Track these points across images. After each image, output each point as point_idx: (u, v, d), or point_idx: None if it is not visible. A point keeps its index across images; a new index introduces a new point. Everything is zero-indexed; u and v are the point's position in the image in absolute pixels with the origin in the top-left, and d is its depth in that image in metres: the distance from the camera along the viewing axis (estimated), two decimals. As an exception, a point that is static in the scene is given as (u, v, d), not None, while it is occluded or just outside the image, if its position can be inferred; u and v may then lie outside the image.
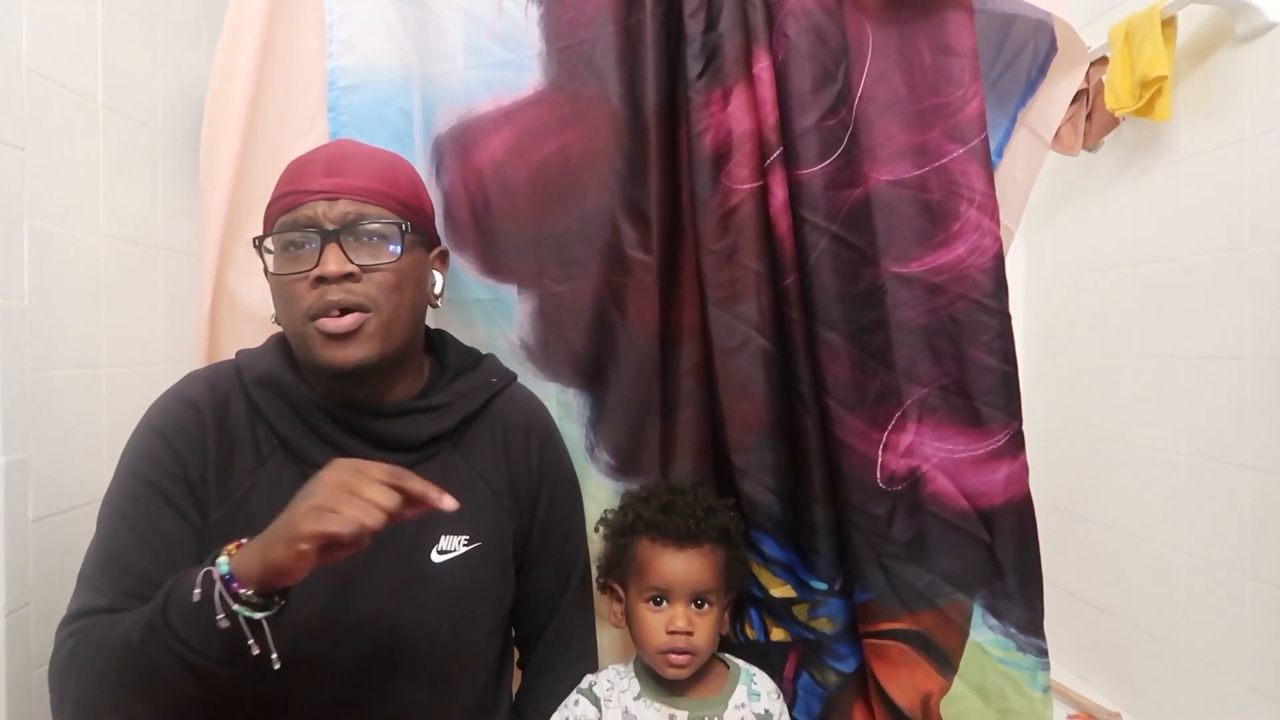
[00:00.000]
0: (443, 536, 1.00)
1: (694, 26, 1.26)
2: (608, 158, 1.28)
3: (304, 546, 0.74)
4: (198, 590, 0.77)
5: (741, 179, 1.26)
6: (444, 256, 1.10)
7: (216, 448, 0.97)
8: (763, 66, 1.23)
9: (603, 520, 1.23)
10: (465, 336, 1.29)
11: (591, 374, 1.29)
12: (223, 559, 0.78)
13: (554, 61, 1.28)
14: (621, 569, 1.18)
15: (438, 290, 1.07)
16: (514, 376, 1.16)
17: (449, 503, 0.79)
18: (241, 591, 0.76)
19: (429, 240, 1.06)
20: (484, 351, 1.18)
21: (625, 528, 1.18)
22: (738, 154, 1.26)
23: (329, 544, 0.75)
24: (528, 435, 1.11)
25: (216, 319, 1.24)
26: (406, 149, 1.30)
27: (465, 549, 1.01)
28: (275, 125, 1.27)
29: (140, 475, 0.95)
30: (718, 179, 1.27)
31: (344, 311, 0.93)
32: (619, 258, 1.28)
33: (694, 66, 1.26)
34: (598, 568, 1.23)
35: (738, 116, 1.26)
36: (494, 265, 1.29)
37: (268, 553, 0.76)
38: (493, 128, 1.28)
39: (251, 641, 0.77)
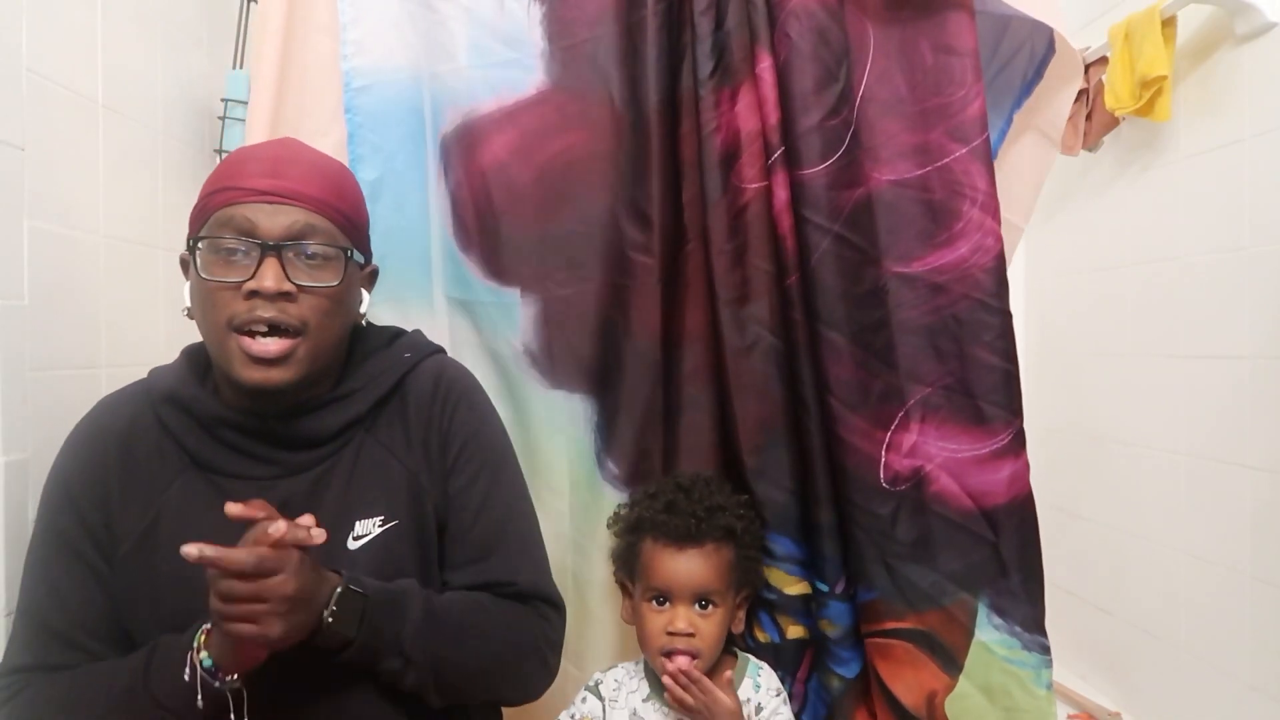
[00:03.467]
0: (357, 522, 0.96)
1: (704, 24, 1.26)
2: (610, 158, 1.27)
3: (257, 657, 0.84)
4: (187, 672, 0.84)
5: (750, 178, 1.26)
6: (373, 275, 1.07)
7: (121, 479, 0.96)
8: (764, 66, 1.24)
9: (614, 515, 1.23)
10: (472, 340, 1.28)
11: (597, 379, 1.28)
12: (204, 655, 0.84)
13: (557, 61, 1.28)
14: (629, 567, 1.18)
15: (363, 309, 1.04)
16: (435, 350, 1.09)
17: (318, 535, 0.83)
18: (228, 679, 0.84)
19: (365, 259, 1.03)
20: (489, 357, 1.17)
21: (632, 525, 1.18)
22: (746, 153, 1.26)
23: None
24: (437, 401, 1.04)
25: None
26: (419, 149, 1.31)
27: (380, 529, 0.97)
28: (294, 127, 1.27)
29: (49, 525, 0.96)
30: (728, 178, 1.27)
31: (272, 328, 0.90)
32: (621, 259, 1.28)
33: (705, 65, 1.26)
34: (612, 563, 1.22)
35: (744, 116, 1.26)
36: (498, 268, 1.29)
37: (239, 656, 0.84)
38: (495, 128, 1.28)
39: (231, 714, 0.85)
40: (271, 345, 0.90)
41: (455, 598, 0.97)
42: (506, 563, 1.01)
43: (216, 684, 0.83)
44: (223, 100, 1.47)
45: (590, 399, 1.28)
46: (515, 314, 1.28)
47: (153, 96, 1.36)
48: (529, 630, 1.00)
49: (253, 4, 1.55)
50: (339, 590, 0.86)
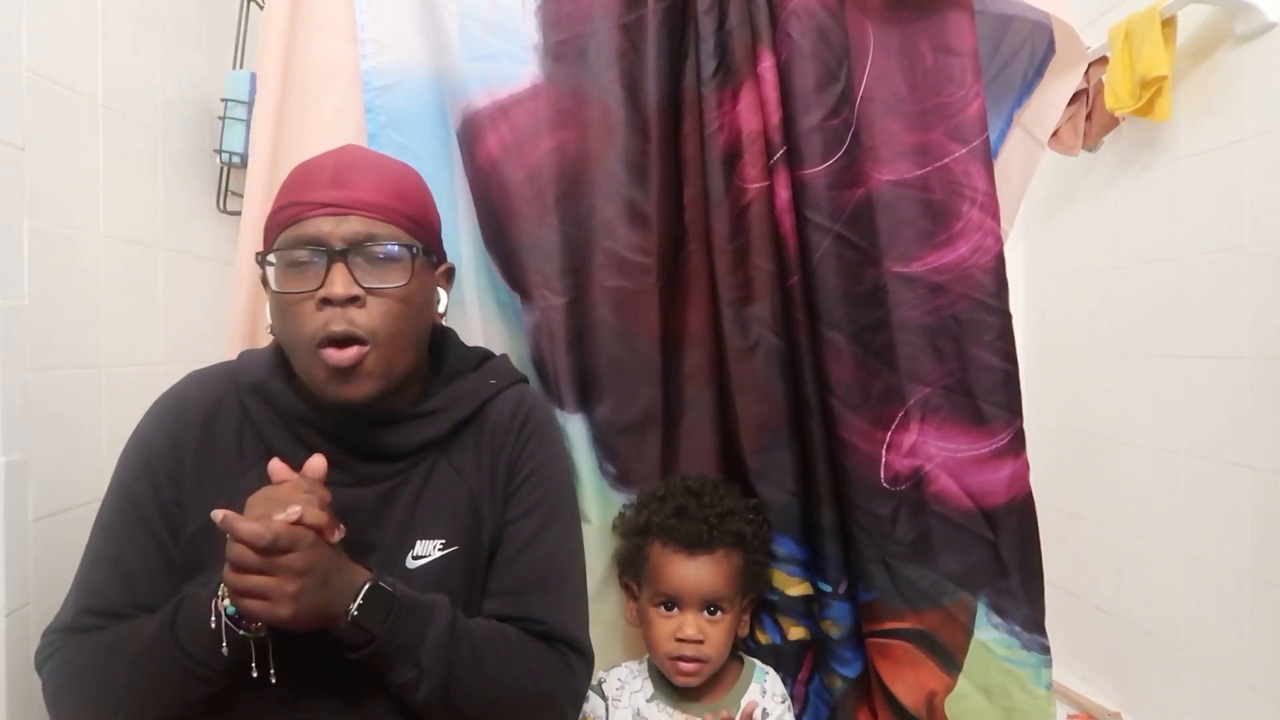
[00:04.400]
0: (418, 541, 0.97)
1: (707, 24, 1.25)
2: (602, 158, 1.26)
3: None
4: (213, 619, 0.83)
5: (752, 178, 1.26)
6: (450, 274, 1.08)
7: (198, 458, 0.97)
8: (766, 66, 1.23)
9: (620, 517, 1.22)
10: (504, 343, 1.26)
11: (591, 391, 1.26)
12: (228, 602, 0.83)
13: (550, 55, 1.26)
14: (635, 569, 1.17)
15: (441, 309, 1.04)
16: (519, 379, 1.11)
17: (335, 533, 0.85)
18: (253, 627, 0.84)
19: (437, 258, 1.03)
20: (517, 361, 1.15)
21: (640, 528, 1.17)
22: (748, 153, 1.26)
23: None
24: (512, 430, 1.05)
25: (251, 322, 1.24)
26: (444, 148, 1.29)
27: (440, 553, 0.98)
28: (298, 128, 1.26)
29: (122, 489, 0.97)
30: (730, 178, 1.26)
31: (346, 340, 0.92)
32: (617, 262, 1.26)
33: (708, 64, 1.25)
34: (616, 565, 1.22)
35: (746, 115, 1.26)
36: (506, 272, 1.27)
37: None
38: (489, 123, 1.25)
39: (254, 664, 0.85)
40: (346, 354, 0.91)
41: (483, 623, 0.96)
42: (542, 601, 1.00)
43: (240, 631, 0.83)
44: (223, 100, 1.47)
45: (588, 414, 1.25)
46: (523, 321, 1.27)
47: (153, 96, 1.36)
48: (551, 677, 0.98)
49: (253, 4, 1.55)
50: (368, 585, 0.86)
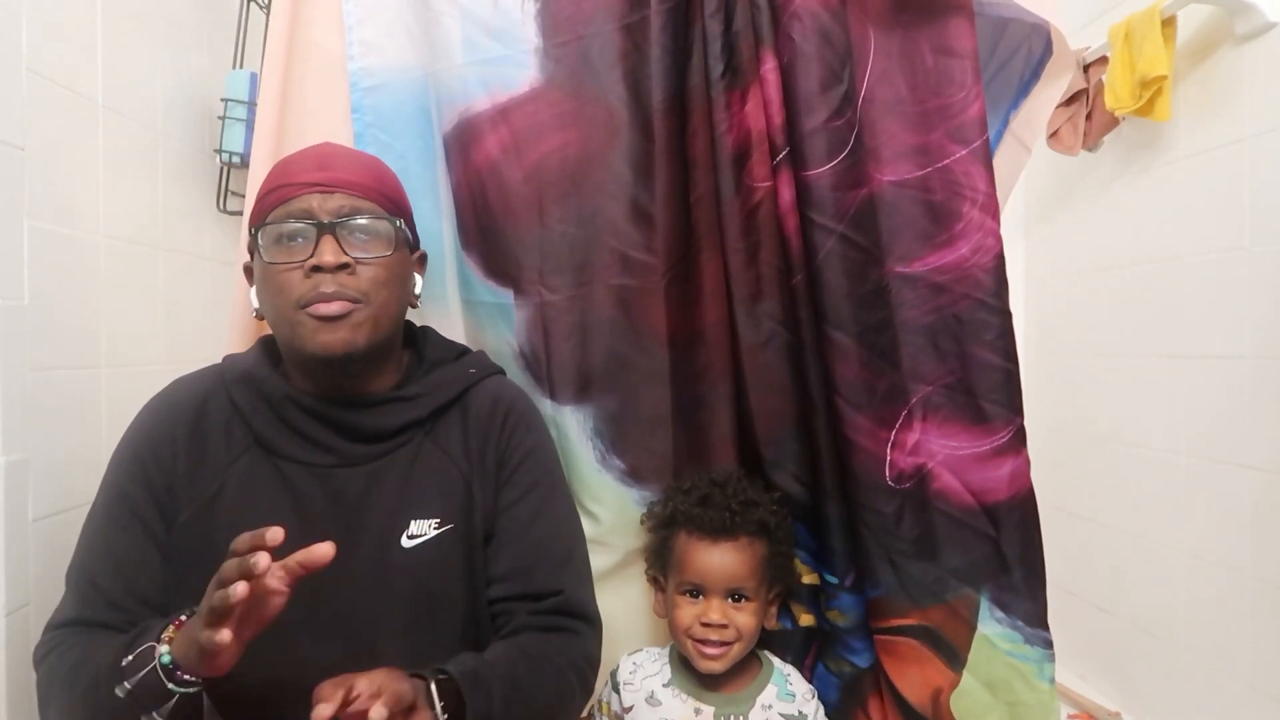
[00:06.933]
0: (412, 521, 1.00)
1: (714, 26, 1.26)
2: (605, 158, 1.26)
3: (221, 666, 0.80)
4: (147, 668, 0.82)
5: (760, 178, 1.27)
6: (423, 260, 1.12)
7: (189, 450, 1.00)
8: (769, 68, 1.24)
9: (648, 512, 1.23)
10: (475, 340, 1.28)
11: (592, 385, 1.26)
12: (164, 649, 0.82)
13: (550, 58, 1.27)
14: (662, 561, 1.19)
15: (417, 291, 1.09)
16: (497, 370, 1.15)
17: (324, 550, 0.78)
18: (186, 678, 0.81)
19: (413, 242, 1.08)
20: (494, 359, 1.17)
21: (666, 520, 1.19)
22: (756, 153, 1.26)
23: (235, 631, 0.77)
24: (496, 415, 1.08)
25: (251, 321, 1.24)
26: (428, 149, 1.30)
27: (436, 532, 1.00)
28: (299, 130, 1.26)
29: (114, 487, 0.99)
30: (740, 178, 1.27)
31: (337, 297, 0.95)
32: (620, 260, 1.26)
33: (716, 66, 1.26)
34: (645, 559, 1.23)
35: (754, 116, 1.26)
36: (493, 269, 1.28)
37: (201, 645, 0.77)
38: (489, 125, 1.27)
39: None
40: (334, 305, 0.95)
41: (515, 657, 0.96)
42: (553, 574, 1.04)
43: (169, 684, 0.81)
44: (223, 100, 1.47)
45: (583, 408, 1.26)
46: (511, 315, 1.28)
47: (153, 96, 1.36)
48: (572, 663, 1.00)
49: (253, 4, 1.55)
50: (434, 686, 0.84)
